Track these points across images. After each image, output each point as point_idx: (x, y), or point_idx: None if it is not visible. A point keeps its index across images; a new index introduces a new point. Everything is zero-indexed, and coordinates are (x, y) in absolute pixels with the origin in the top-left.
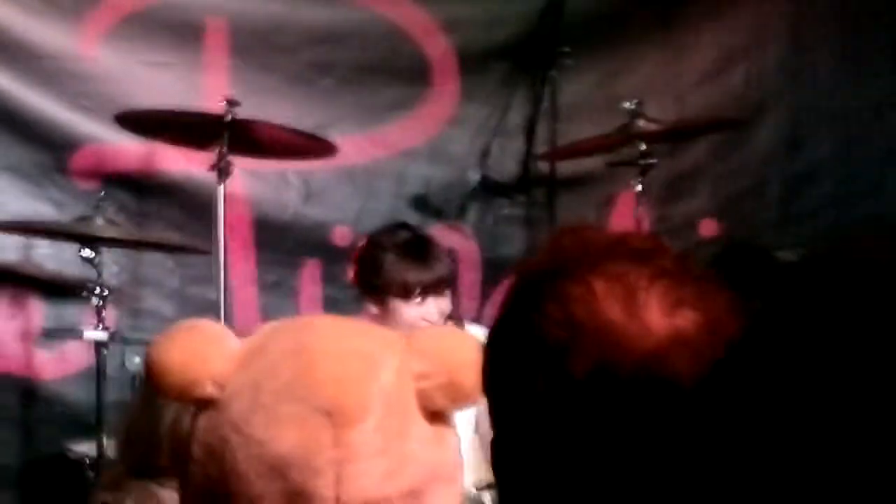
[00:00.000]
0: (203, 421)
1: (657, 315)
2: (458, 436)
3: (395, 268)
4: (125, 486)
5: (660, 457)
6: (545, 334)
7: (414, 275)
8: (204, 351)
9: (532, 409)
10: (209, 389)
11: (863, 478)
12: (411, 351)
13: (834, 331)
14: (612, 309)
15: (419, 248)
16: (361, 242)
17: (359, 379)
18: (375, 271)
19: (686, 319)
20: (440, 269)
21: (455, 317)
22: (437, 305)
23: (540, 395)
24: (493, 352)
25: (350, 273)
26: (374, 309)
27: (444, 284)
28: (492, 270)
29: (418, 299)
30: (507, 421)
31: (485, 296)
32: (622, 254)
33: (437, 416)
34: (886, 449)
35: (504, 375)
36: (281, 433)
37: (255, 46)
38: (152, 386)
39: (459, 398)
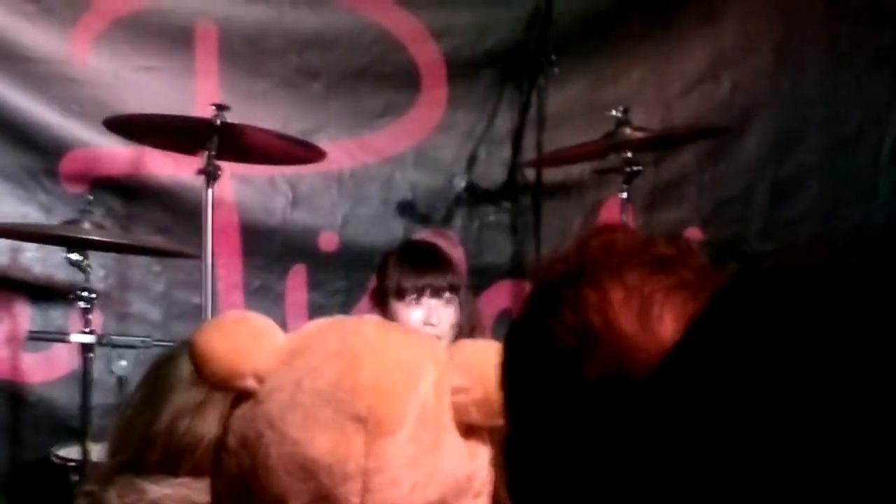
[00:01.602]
0: (240, 412)
1: (671, 328)
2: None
3: (393, 269)
4: (111, 478)
5: (670, 467)
6: (559, 340)
7: (408, 272)
8: (248, 344)
9: (543, 415)
10: (250, 382)
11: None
12: (451, 363)
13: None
14: (626, 320)
15: (417, 253)
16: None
17: (398, 390)
18: (381, 277)
19: None
20: (436, 272)
21: (472, 326)
22: (436, 310)
23: (551, 402)
24: (510, 353)
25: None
26: (379, 314)
27: (441, 287)
28: (478, 277)
29: (413, 296)
30: (519, 422)
31: None
32: (644, 261)
33: (471, 431)
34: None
35: (518, 378)
36: (315, 435)
37: (244, 51)
38: (198, 373)
39: (495, 413)
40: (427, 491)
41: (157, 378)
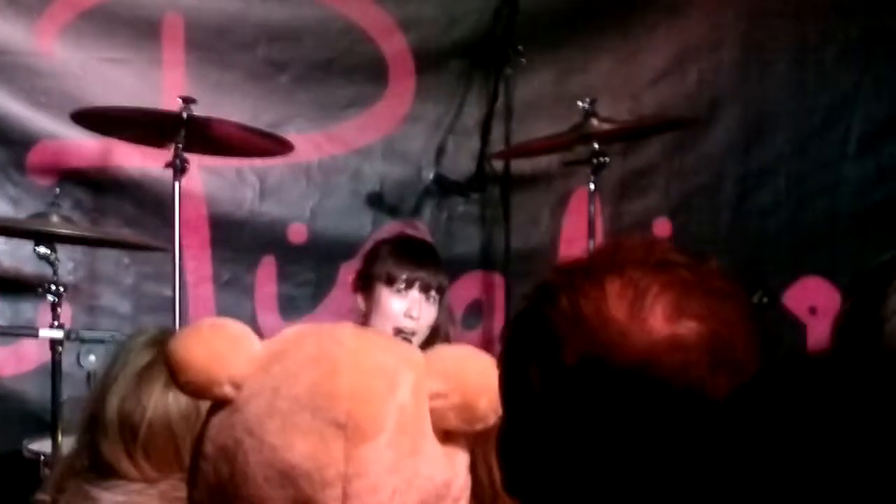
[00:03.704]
0: (217, 419)
1: (660, 320)
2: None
3: (387, 256)
4: (63, 485)
5: (639, 451)
6: (551, 325)
7: (403, 262)
8: (225, 350)
9: (526, 397)
10: (227, 389)
11: None
12: (428, 369)
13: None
14: (617, 308)
15: (415, 247)
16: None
17: (376, 395)
18: (370, 262)
19: (688, 329)
20: (430, 269)
21: (446, 331)
22: (421, 305)
23: (533, 383)
24: (506, 341)
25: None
26: (361, 304)
27: (431, 284)
28: (447, 268)
29: (402, 286)
30: (512, 411)
31: None
32: (647, 261)
33: (449, 436)
34: None
35: (509, 363)
36: (294, 441)
37: (212, 43)
38: (174, 380)
39: (473, 419)
40: (407, 496)
41: (112, 358)
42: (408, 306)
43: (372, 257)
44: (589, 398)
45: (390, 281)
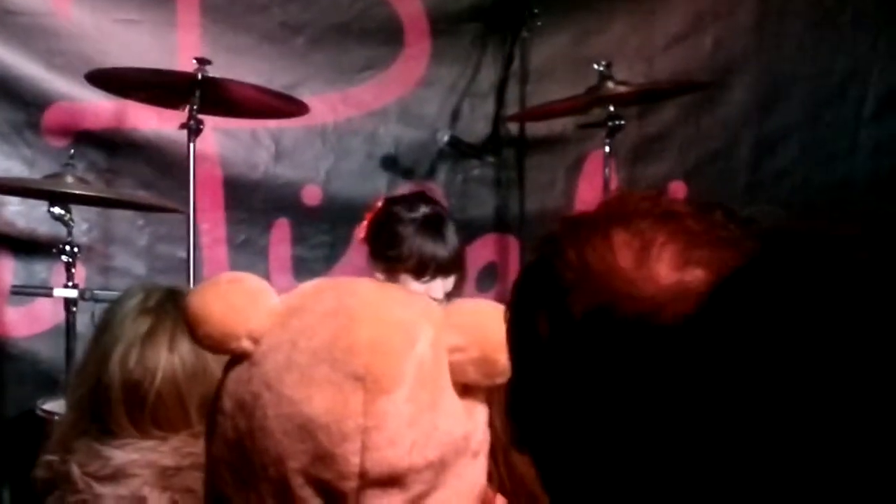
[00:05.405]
0: (235, 374)
1: (666, 268)
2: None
3: (412, 244)
4: (71, 445)
5: (647, 402)
6: (556, 276)
7: (429, 255)
8: (243, 304)
9: (534, 349)
10: (245, 343)
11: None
12: (447, 323)
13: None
14: (623, 257)
15: (437, 227)
16: (378, 204)
17: (395, 348)
18: (391, 244)
19: (695, 277)
20: (453, 252)
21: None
22: (443, 285)
23: (541, 335)
24: (514, 291)
25: (360, 232)
26: (380, 275)
27: (454, 267)
28: (461, 230)
29: (428, 277)
30: (516, 358)
31: None
32: (654, 213)
33: (468, 390)
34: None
35: (517, 314)
36: (312, 394)
37: (227, 5)
38: (192, 334)
39: (492, 373)
40: (426, 450)
41: (105, 323)
42: (432, 290)
43: (391, 235)
44: (596, 346)
45: (419, 274)
